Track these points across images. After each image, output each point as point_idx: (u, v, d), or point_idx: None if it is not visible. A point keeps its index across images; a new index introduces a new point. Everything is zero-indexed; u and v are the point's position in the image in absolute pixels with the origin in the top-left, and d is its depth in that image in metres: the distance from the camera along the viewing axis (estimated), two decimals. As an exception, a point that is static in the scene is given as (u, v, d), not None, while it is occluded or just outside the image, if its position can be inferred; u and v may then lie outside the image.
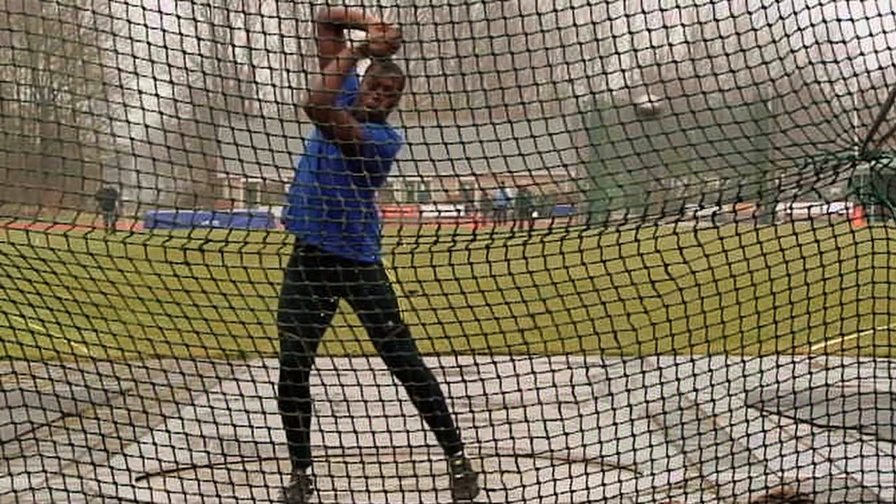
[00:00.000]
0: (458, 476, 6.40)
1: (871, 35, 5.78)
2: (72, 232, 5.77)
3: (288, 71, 6.54)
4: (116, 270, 5.65)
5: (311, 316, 6.19)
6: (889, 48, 5.76)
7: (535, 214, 46.53)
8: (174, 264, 5.50)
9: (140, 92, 5.84)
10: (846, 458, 6.00)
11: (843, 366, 6.11)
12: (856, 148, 5.75)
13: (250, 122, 6.08)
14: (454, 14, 5.91)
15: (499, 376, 5.79)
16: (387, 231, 6.41)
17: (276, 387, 6.24)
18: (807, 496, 5.74)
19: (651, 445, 5.96)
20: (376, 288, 6.21)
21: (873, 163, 5.79)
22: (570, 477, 5.81)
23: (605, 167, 6.49)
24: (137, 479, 6.22)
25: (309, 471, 6.44)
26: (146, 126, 6.20)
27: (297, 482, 6.40)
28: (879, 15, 5.77)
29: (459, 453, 6.44)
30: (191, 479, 6.30)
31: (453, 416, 6.39)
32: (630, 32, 6.19)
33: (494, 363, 5.83)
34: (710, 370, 5.88)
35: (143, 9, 5.70)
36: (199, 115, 7.33)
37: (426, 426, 6.30)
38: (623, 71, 6.23)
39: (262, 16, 6.35)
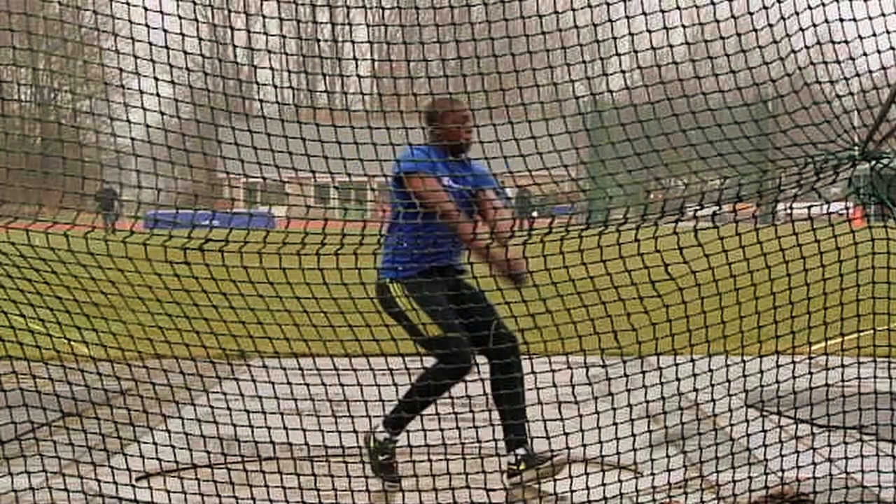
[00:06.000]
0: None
1: (872, 35, 5.77)
2: (72, 232, 5.77)
3: (289, 72, 6.55)
4: (116, 270, 5.65)
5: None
6: (891, 48, 5.76)
7: (534, 214, 46.55)
8: (174, 264, 5.50)
9: (141, 92, 5.84)
10: (846, 458, 5.99)
11: (843, 366, 6.10)
12: (856, 148, 5.74)
13: (251, 123, 6.08)
14: (455, 15, 5.92)
15: (499, 376, 5.79)
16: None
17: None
18: (807, 496, 5.73)
19: (651, 445, 5.96)
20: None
21: (873, 163, 5.79)
22: (570, 477, 5.81)
23: (605, 167, 6.49)
24: (137, 479, 6.22)
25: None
26: (147, 126, 6.20)
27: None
28: (882, 15, 5.76)
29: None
30: (191, 479, 6.30)
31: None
32: (631, 34, 6.20)
33: (494, 363, 5.83)
34: (710, 370, 5.88)
35: (145, 9, 5.71)
36: (200, 115, 7.33)
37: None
38: (623, 72, 6.23)
39: (264, 16, 6.35)
